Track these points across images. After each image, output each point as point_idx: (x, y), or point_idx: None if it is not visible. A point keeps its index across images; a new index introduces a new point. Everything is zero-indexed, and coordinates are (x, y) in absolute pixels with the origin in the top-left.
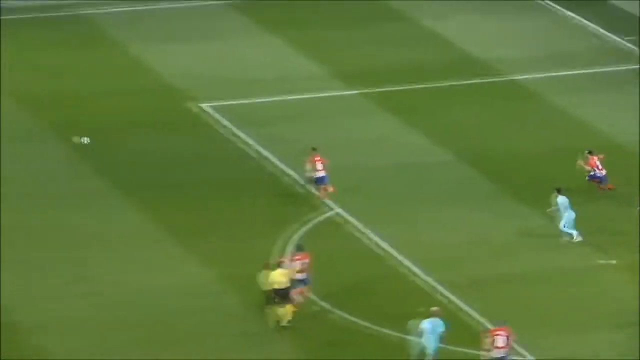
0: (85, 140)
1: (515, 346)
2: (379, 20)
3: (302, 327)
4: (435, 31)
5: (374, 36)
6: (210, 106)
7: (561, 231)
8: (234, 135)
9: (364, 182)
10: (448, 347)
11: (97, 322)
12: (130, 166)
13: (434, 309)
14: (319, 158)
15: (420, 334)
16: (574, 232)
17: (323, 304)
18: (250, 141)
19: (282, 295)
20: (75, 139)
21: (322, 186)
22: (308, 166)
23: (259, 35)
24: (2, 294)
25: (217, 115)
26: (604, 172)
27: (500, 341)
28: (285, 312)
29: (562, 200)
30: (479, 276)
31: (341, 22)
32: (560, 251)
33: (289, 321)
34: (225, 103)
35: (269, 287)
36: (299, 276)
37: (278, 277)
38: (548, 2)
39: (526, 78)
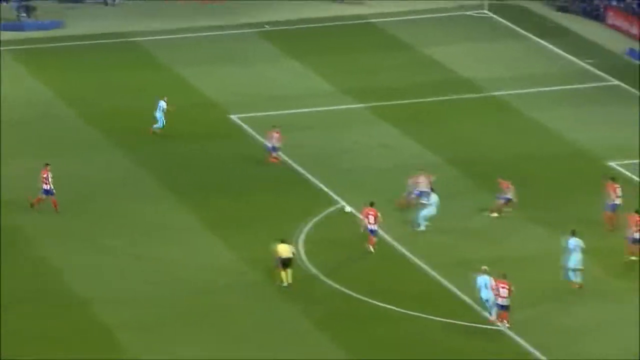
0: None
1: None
2: (382, 47)
3: (312, 300)
4: (430, 56)
5: (378, 60)
6: (240, 117)
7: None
8: (259, 142)
9: (367, 181)
10: (443, 319)
11: (147, 295)
12: (178, 168)
13: (484, 267)
14: (277, 133)
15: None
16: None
17: (329, 281)
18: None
19: (285, 263)
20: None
21: (273, 154)
22: (267, 137)
23: (282, 59)
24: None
25: (245, 125)
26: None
27: (502, 292)
28: (287, 275)
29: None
30: (464, 259)
31: (350, 49)
32: (530, 237)
33: (289, 284)
34: (253, 115)
35: (277, 256)
36: (371, 227)
37: (283, 250)
38: (523, 31)
39: (505, 94)
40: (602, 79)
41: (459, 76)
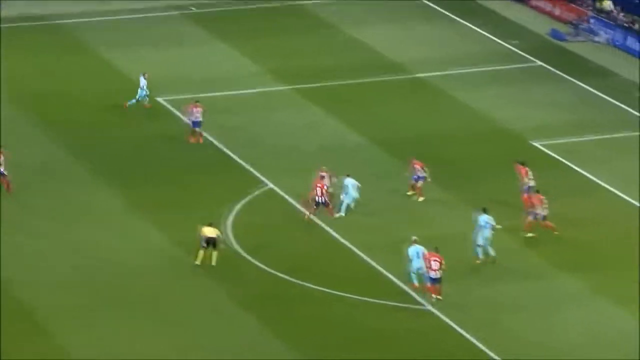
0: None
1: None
2: (307, 29)
3: (239, 282)
4: (354, 37)
5: (303, 42)
6: (167, 100)
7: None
8: (187, 124)
9: (294, 162)
10: (364, 299)
11: (73, 278)
12: (106, 152)
13: (415, 237)
14: (198, 107)
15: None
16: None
17: (257, 263)
18: (203, 131)
19: (208, 242)
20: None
21: (197, 130)
22: (187, 112)
23: (208, 41)
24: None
25: (172, 108)
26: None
27: (434, 264)
28: (212, 256)
29: (348, 182)
30: (391, 239)
31: (277, 30)
32: (456, 216)
33: (213, 265)
34: (180, 97)
35: (202, 235)
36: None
37: (208, 230)
38: (447, 13)
39: (430, 75)
40: (526, 60)
41: (384, 57)
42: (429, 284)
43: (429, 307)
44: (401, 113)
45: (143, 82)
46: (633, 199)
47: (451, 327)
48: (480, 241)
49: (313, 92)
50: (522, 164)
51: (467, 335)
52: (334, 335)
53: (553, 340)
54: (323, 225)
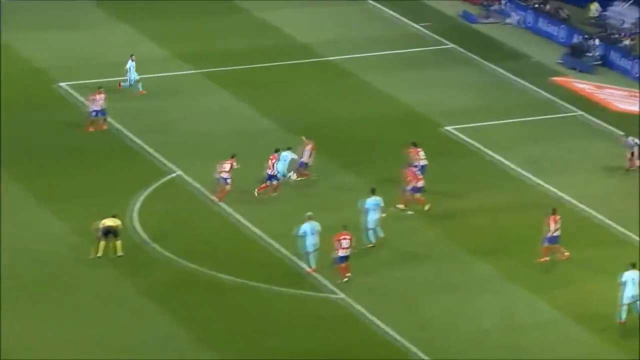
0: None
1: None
2: (217, 11)
3: (146, 272)
4: (265, 20)
5: (213, 25)
6: (70, 85)
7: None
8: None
9: (203, 147)
10: (273, 287)
11: None
12: (5, 139)
13: (309, 214)
14: (102, 94)
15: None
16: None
17: (163, 251)
18: (108, 117)
19: (107, 233)
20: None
21: (100, 118)
22: (90, 100)
23: (113, 24)
24: None
25: (75, 93)
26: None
27: (344, 243)
28: (115, 246)
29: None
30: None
31: (185, 13)
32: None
33: (119, 256)
34: (83, 82)
35: (102, 225)
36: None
37: (108, 221)
38: None
39: (341, 59)
40: (438, 42)
41: (295, 40)
42: (338, 264)
43: (340, 295)
44: (313, 97)
45: (130, 64)
46: (545, 183)
47: (362, 314)
48: (370, 224)
49: (223, 75)
50: (415, 144)
51: (378, 322)
52: (242, 324)
53: (465, 325)
54: (232, 212)
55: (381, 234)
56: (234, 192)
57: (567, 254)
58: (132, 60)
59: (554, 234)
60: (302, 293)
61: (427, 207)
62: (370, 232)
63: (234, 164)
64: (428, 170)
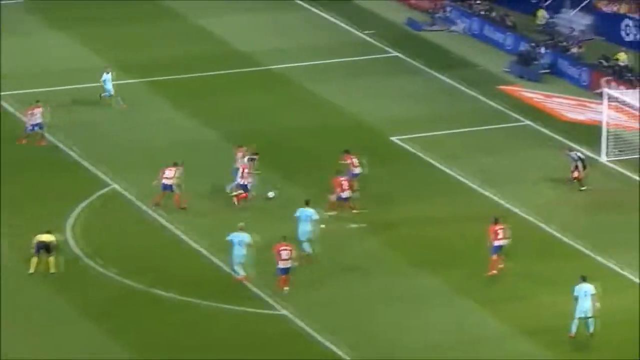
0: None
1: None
2: (155, 18)
3: (81, 288)
4: (205, 27)
5: (151, 32)
6: (5, 95)
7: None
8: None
9: (141, 159)
10: (213, 304)
11: None
12: None
13: (241, 224)
14: (39, 107)
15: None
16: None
17: (99, 268)
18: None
19: (41, 248)
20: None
21: (38, 133)
22: (27, 115)
23: (46, 31)
24: None
25: (6, 104)
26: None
27: (284, 254)
28: (50, 263)
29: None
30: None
31: (122, 20)
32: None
33: (52, 273)
34: (16, 92)
35: (36, 241)
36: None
37: (43, 237)
38: (300, 2)
39: (283, 67)
40: (382, 51)
41: (235, 49)
42: (279, 276)
43: (283, 312)
44: (254, 107)
45: (104, 76)
46: (493, 194)
47: (305, 330)
48: (301, 236)
49: (161, 85)
50: (348, 152)
51: (320, 339)
52: (182, 343)
53: (411, 341)
54: (170, 226)
55: (309, 250)
56: (172, 205)
57: (501, 266)
58: (107, 73)
59: (498, 244)
60: (244, 310)
61: (355, 211)
62: (305, 244)
63: (178, 171)
64: (375, 181)
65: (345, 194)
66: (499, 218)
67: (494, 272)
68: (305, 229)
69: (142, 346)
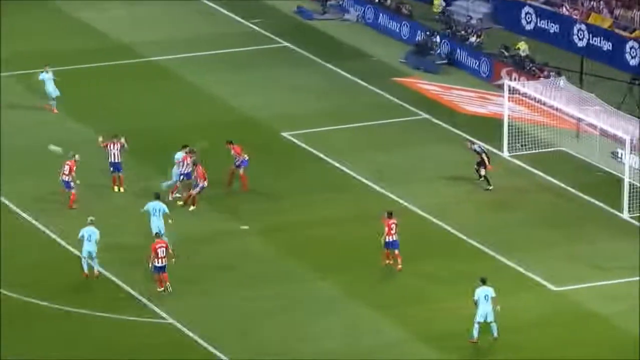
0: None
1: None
2: (29, 10)
3: None
4: (81, 20)
5: (26, 25)
6: None
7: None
8: None
9: (18, 162)
10: (103, 314)
11: None
12: None
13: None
14: None
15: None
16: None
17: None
18: None
19: None
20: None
21: None
22: None
23: None
24: None
25: None
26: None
27: (160, 252)
28: None
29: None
30: (124, 245)
31: None
32: (201, 217)
33: None
34: None
35: None
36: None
37: None
38: None
39: (164, 59)
40: (271, 41)
41: (112, 40)
42: (156, 274)
43: (171, 320)
44: (136, 101)
45: (42, 76)
46: (389, 192)
47: (194, 340)
48: (154, 228)
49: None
50: (231, 142)
51: (211, 349)
52: (66, 354)
53: (307, 348)
54: (49, 232)
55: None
56: (51, 209)
57: (400, 267)
58: (47, 72)
59: (391, 239)
60: (129, 319)
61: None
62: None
63: (74, 165)
64: (264, 179)
65: (205, 183)
66: (392, 212)
67: (389, 262)
68: (156, 223)
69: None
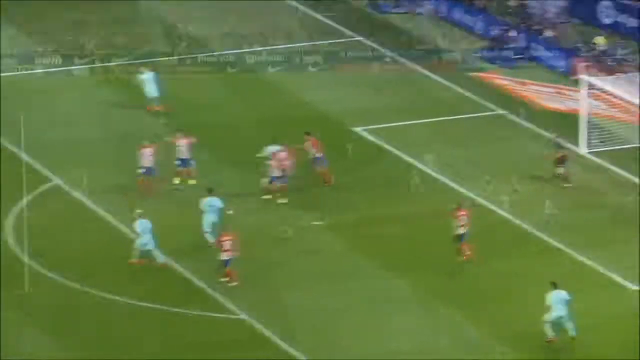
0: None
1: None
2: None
3: (22, 292)
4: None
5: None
6: None
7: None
8: None
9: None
10: (177, 309)
11: None
12: None
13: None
14: None
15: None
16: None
17: (43, 270)
18: None
19: None
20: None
21: None
22: None
23: None
24: None
25: None
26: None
27: (226, 245)
28: None
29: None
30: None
31: None
32: (268, 212)
33: None
34: None
35: None
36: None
37: None
38: None
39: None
40: (343, 35)
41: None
42: (224, 269)
43: (244, 316)
44: (205, 96)
45: (142, 76)
46: (462, 187)
47: (267, 337)
48: (205, 227)
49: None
50: (308, 134)
51: (284, 345)
52: (139, 353)
53: (381, 349)
54: (120, 225)
55: (211, 240)
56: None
57: (469, 253)
58: (145, 73)
59: (459, 232)
60: (203, 315)
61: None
62: (208, 234)
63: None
64: (336, 175)
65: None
66: (461, 204)
67: (469, 253)
68: (208, 219)
69: (92, 355)
